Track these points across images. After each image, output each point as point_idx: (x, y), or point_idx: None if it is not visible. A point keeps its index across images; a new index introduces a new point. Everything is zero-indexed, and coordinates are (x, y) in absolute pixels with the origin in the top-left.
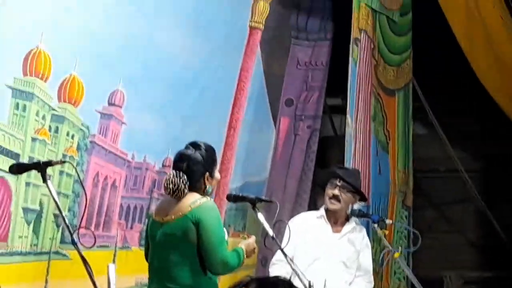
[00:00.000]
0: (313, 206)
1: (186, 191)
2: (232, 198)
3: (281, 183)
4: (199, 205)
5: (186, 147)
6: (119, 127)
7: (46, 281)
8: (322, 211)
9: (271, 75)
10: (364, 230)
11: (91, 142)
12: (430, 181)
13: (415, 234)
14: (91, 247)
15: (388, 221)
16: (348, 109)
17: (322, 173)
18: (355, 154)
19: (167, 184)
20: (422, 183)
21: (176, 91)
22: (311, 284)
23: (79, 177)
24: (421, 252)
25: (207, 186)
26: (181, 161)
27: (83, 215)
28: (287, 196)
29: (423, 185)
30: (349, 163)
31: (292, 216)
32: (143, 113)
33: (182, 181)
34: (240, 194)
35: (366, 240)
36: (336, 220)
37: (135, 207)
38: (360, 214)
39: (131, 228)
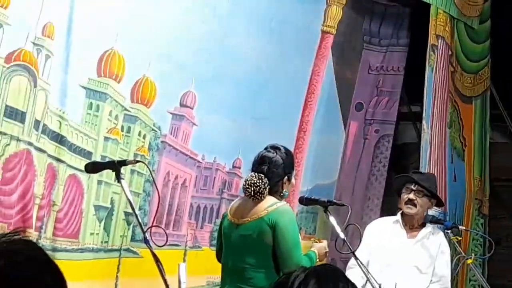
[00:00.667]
0: (387, 212)
1: (266, 193)
2: (304, 201)
3: (350, 187)
4: (276, 208)
5: (267, 150)
6: (190, 128)
7: (117, 278)
8: (398, 216)
9: (342, 79)
10: (442, 235)
11: (162, 142)
12: (508, 190)
13: (490, 241)
14: (162, 246)
15: (462, 228)
16: (424, 115)
17: (397, 178)
18: (430, 160)
19: (248, 185)
20: (501, 192)
21: (247, 93)
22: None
23: (152, 176)
24: (497, 262)
25: (284, 190)
26: (263, 164)
27: (156, 213)
28: (355, 200)
29: (502, 194)
30: (424, 169)
31: (360, 220)
32: (214, 115)
33: (264, 184)
34: (313, 197)
35: (444, 246)
36: (412, 225)
37: (205, 208)
38: (433, 221)
39: (202, 228)
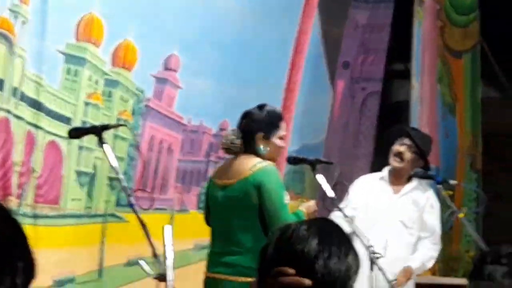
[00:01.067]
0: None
1: (241, 147)
2: (292, 160)
3: (338, 146)
4: (260, 168)
5: (254, 108)
6: (174, 91)
7: (102, 244)
8: (385, 172)
9: (329, 37)
10: (430, 191)
11: (146, 106)
12: (504, 145)
13: (481, 195)
14: (148, 209)
15: (453, 182)
16: (413, 72)
17: (392, 129)
18: (421, 117)
19: (224, 140)
20: (495, 147)
21: (233, 54)
22: (371, 245)
23: (135, 140)
24: (494, 217)
25: (262, 148)
26: (242, 118)
27: (141, 177)
28: (343, 159)
29: (497, 150)
30: (415, 126)
31: (349, 179)
32: (199, 77)
33: (236, 137)
34: (300, 156)
35: (432, 200)
36: (398, 180)
37: (192, 171)
38: (424, 176)
39: (189, 191)
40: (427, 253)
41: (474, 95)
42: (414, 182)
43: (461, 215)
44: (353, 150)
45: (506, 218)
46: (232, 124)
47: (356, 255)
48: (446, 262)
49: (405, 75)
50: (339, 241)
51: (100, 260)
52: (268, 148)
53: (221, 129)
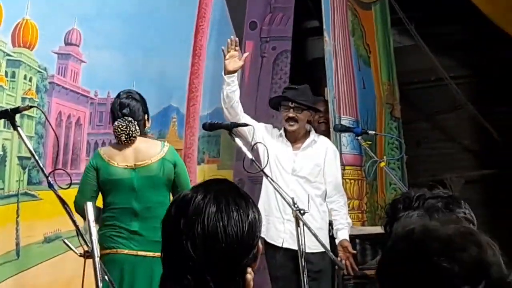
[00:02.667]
0: None
1: (138, 132)
2: (207, 126)
3: (251, 106)
4: (168, 148)
5: (120, 97)
6: (78, 65)
7: (17, 223)
8: (282, 130)
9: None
10: (327, 141)
11: (50, 83)
12: (420, 92)
13: (401, 143)
14: (67, 188)
15: (371, 132)
16: (324, 27)
17: (272, 99)
18: (336, 71)
19: (119, 132)
20: (413, 95)
21: (135, 25)
22: (295, 201)
23: (46, 119)
24: (420, 161)
25: (146, 128)
26: (123, 109)
27: (57, 156)
28: (258, 118)
29: (414, 97)
30: (331, 81)
31: None
32: (103, 50)
33: (134, 125)
34: (216, 122)
35: (331, 151)
36: (295, 138)
37: (104, 143)
38: (342, 129)
39: None
40: (343, 211)
41: (386, 44)
42: (312, 136)
43: (382, 164)
44: (267, 109)
45: (428, 162)
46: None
47: (255, 210)
48: (373, 212)
49: (320, 32)
50: (236, 203)
51: (17, 239)
52: (148, 126)
53: None
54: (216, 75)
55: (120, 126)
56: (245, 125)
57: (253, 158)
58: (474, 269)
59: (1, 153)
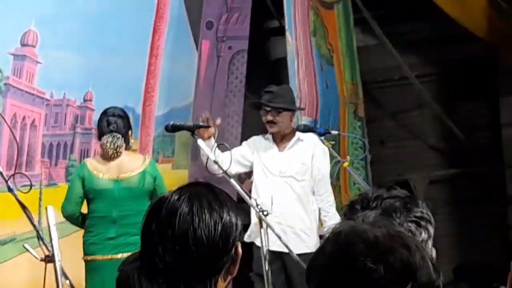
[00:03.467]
0: (249, 127)
1: (124, 147)
2: (170, 128)
3: (207, 106)
4: (150, 162)
5: (107, 114)
6: (34, 66)
7: None
8: (269, 133)
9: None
10: (315, 140)
11: (5, 84)
12: (385, 91)
13: (365, 143)
14: (28, 192)
15: (334, 132)
16: (286, 27)
17: (249, 104)
18: (298, 71)
19: (107, 148)
20: (377, 93)
21: (92, 25)
22: (258, 203)
23: (5, 121)
24: (384, 160)
25: (131, 142)
26: (109, 125)
27: (17, 159)
28: (214, 118)
29: (379, 96)
30: (293, 81)
31: (222, 138)
32: (60, 51)
33: (119, 139)
34: (178, 123)
35: (319, 148)
36: (281, 138)
37: (59, 144)
38: (305, 129)
39: (56, 165)
40: (331, 211)
41: (349, 44)
42: (297, 135)
43: (345, 164)
44: (223, 109)
45: (392, 161)
46: (96, 94)
47: (232, 213)
48: (338, 212)
49: (282, 32)
50: (209, 205)
51: None
52: (132, 141)
53: (85, 100)
54: (173, 75)
55: (108, 142)
56: (207, 126)
57: (216, 160)
58: (401, 272)
59: None
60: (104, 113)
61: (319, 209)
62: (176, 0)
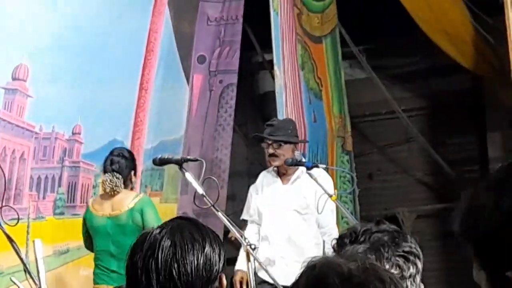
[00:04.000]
0: (238, 160)
1: (122, 186)
2: (157, 161)
3: (198, 140)
4: (140, 199)
5: (113, 154)
6: (24, 100)
7: None
8: (272, 167)
9: (181, 33)
10: (319, 172)
11: None
12: (373, 125)
13: (353, 177)
14: (15, 225)
15: (322, 166)
16: (274, 61)
17: (253, 138)
18: (286, 105)
19: (106, 185)
20: (365, 127)
21: (83, 58)
22: (245, 237)
23: None
24: (372, 194)
25: (132, 183)
26: (112, 164)
27: (4, 193)
28: (205, 153)
29: (367, 130)
30: (281, 114)
31: (210, 171)
32: (50, 84)
33: (118, 179)
34: (166, 157)
35: (322, 179)
36: (285, 171)
37: (47, 177)
38: (293, 163)
39: (44, 198)
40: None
41: (337, 77)
42: (300, 168)
43: (333, 198)
44: (213, 142)
45: (380, 195)
46: (85, 127)
47: (215, 245)
48: None
49: (270, 65)
50: (192, 237)
51: None
52: (134, 181)
53: (74, 133)
54: (162, 108)
55: (107, 180)
56: (196, 160)
57: (204, 193)
58: None
59: None
60: (111, 152)
61: (323, 242)
62: (167, 34)
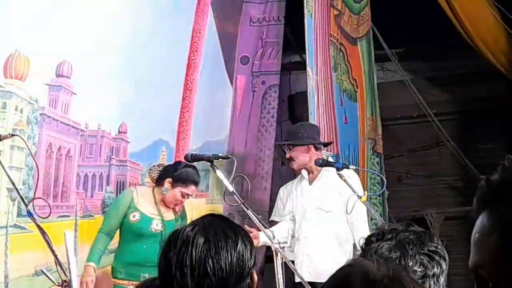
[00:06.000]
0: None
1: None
2: (189, 158)
3: (242, 141)
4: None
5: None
6: (69, 97)
7: (6, 255)
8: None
9: (225, 34)
10: (347, 172)
11: (41, 114)
12: (403, 128)
13: (383, 179)
14: (46, 217)
15: (352, 167)
16: (307, 61)
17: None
18: (318, 106)
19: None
20: (396, 130)
21: (127, 57)
22: (274, 235)
23: (28, 149)
24: (401, 196)
25: (164, 188)
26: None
27: (36, 186)
28: (248, 153)
29: (397, 133)
30: (313, 115)
31: (254, 172)
32: (94, 82)
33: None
34: (197, 153)
35: (351, 181)
36: (312, 172)
37: (94, 175)
38: (323, 164)
39: (92, 196)
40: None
41: (370, 79)
42: (322, 170)
43: (362, 199)
44: (256, 143)
45: (409, 198)
46: (130, 126)
47: (246, 241)
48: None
49: (303, 66)
50: (224, 234)
51: (5, 272)
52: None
53: (120, 132)
54: (207, 109)
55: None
56: (227, 157)
57: (234, 191)
58: None
59: None
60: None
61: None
62: (211, 34)
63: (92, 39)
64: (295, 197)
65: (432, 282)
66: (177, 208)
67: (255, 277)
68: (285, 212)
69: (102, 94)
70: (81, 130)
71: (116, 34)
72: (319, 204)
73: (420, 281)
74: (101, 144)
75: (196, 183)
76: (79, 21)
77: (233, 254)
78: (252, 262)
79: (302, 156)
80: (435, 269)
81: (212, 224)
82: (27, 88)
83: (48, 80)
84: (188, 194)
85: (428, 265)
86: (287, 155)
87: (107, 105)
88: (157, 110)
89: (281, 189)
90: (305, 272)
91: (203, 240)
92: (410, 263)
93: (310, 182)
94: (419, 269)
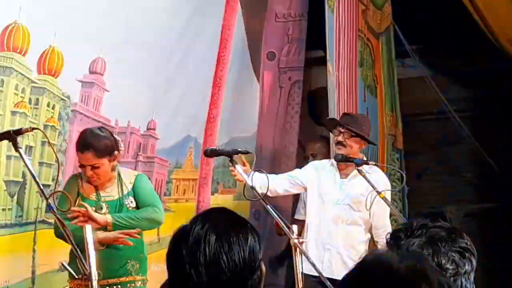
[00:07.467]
0: (301, 157)
1: None
2: (208, 152)
3: (270, 136)
4: None
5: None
6: (101, 94)
7: (34, 251)
8: (333, 159)
9: (252, 30)
10: (380, 175)
11: (72, 111)
12: (423, 124)
13: (402, 175)
14: (67, 211)
15: (371, 163)
16: (328, 57)
17: (327, 121)
18: (339, 102)
19: None
20: (417, 126)
21: (158, 54)
22: (293, 230)
23: (50, 144)
24: (420, 192)
25: None
26: None
27: (56, 180)
28: (276, 149)
29: (418, 128)
30: (333, 111)
31: (279, 168)
32: (126, 79)
33: None
34: (216, 148)
35: (382, 184)
36: (344, 167)
37: None
38: (343, 159)
39: None
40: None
41: (390, 75)
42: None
43: (381, 195)
44: (283, 139)
45: (428, 194)
46: (159, 122)
47: (254, 234)
48: (372, 242)
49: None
50: (235, 229)
51: (33, 267)
52: None
53: (149, 129)
54: (235, 106)
55: None
56: (246, 152)
57: (253, 186)
58: None
59: (21, 180)
60: None
61: (376, 243)
62: (239, 30)
63: (125, 35)
64: (323, 185)
65: (463, 280)
66: (108, 184)
67: (263, 268)
68: (301, 178)
69: (133, 91)
70: (111, 127)
71: (147, 31)
72: (349, 201)
73: (451, 279)
74: (129, 141)
75: (87, 148)
76: (112, 18)
77: (245, 248)
78: (261, 254)
79: (355, 148)
80: (467, 266)
81: (220, 219)
82: (59, 84)
83: (81, 77)
84: (82, 164)
85: (460, 263)
86: (340, 139)
87: (137, 101)
88: (186, 106)
89: (311, 163)
90: (325, 268)
91: (214, 237)
92: (443, 261)
93: (342, 176)
94: (451, 267)
